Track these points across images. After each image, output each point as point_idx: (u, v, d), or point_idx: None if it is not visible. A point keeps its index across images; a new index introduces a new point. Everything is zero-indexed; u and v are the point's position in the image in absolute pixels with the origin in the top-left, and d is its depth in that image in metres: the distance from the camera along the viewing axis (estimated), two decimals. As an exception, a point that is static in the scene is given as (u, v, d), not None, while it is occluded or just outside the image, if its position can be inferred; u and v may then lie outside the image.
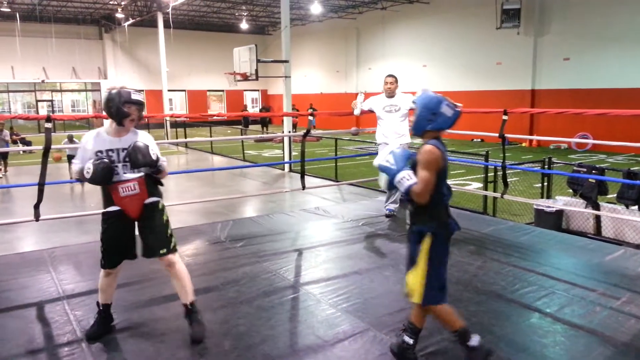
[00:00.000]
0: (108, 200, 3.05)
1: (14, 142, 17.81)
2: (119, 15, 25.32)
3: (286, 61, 13.40)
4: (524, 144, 18.77)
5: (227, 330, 3.25)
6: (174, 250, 3.17)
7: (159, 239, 3.13)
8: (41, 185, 4.35)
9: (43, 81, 27.31)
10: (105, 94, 3.02)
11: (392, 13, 24.20)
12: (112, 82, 29.18)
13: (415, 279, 2.60)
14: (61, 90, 30.16)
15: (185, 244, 5.12)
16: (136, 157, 2.92)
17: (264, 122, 27.33)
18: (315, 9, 23.44)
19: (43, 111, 28.71)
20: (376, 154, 6.05)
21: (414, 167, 2.58)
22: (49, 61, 26.81)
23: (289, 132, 13.55)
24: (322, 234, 5.54)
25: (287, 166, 13.15)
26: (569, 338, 3.10)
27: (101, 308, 3.20)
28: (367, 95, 6.15)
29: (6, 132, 12.29)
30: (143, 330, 3.27)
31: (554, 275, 4.09)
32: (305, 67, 30.39)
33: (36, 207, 4.44)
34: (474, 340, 2.66)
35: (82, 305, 3.61)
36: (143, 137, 3.08)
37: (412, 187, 2.51)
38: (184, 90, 31.50)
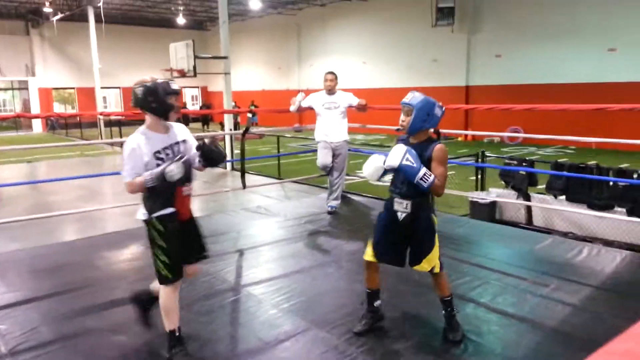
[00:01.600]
0: (166, 201, 2.76)
1: None
2: (47, 9, 24.01)
3: (225, 57, 13.16)
4: (459, 139, 19.42)
5: (164, 338, 3.14)
6: None
7: (203, 242, 3.02)
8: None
9: (-37, 79, 25.54)
10: (139, 88, 2.73)
11: (331, 10, 24.34)
12: (41, 79, 27.64)
13: (435, 255, 2.92)
14: (-15, 89, 28.30)
15: (118, 249, 4.95)
16: (219, 156, 2.84)
17: (205, 120, 26.79)
18: (254, 4, 23.15)
19: (-36, 111, 26.81)
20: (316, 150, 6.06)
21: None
22: (-31, 58, 25.09)
23: (230, 130, 13.34)
24: (264, 234, 5.49)
25: (229, 165, 12.94)
26: (502, 327, 3.23)
27: (178, 334, 2.88)
28: (307, 94, 6.14)
29: None
30: (74, 342, 3.12)
31: (487, 266, 4.25)
32: (246, 64, 30.01)
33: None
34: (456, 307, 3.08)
35: (6, 318, 3.39)
36: (181, 129, 2.95)
37: (435, 183, 2.77)
38: (119, 88, 30.33)
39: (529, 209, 6.94)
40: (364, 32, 23.56)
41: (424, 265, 2.93)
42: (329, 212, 6.01)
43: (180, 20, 28.02)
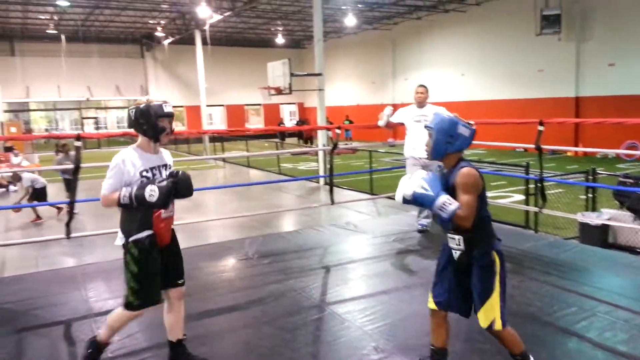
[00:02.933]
0: (143, 223, 2.72)
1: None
2: (159, 34, 26.10)
3: (319, 74, 13.41)
4: (569, 153, 18.09)
5: (248, 352, 3.18)
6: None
7: (182, 267, 2.94)
8: (72, 203, 4.43)
9: (88, 99, 28.40)
10: (132, 109, 2.77)
11: (427, 23, 23.97)
12: (154, 98, 29.91)
13: (495, 305, 2.51)
14: (105, 108, 31.24)
15: (213, 260, 5.11)
16: (187, 189, 2.77)
17: (301, 135, 27.49)
18: (350, 21, 23.45)
19: (89, 128, 29.76)
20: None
21: (448, 191, 2.50)
22: (93, 80, 27.88)
23: (324, 145, 13.50)
24: (351, 251, 5.42)
25: (322, 179, 13.10)
26: (611, 366, 2.88)
27: (101, 348, 2.93)
28: (398, 109, 6.01)
29: (72, 154, 10.33)
30: (166, 350, 3.24)
31: (595, 296, 3.83)
32: (341, 79, 30.42)
33: (67, 224, 4.52)
34: None
35: (107, 324, 3.61)
36: (168, 155, 2.99)
37: (457, 212, 2.42)
38: (223, 105, 32.08)
39: (647, 233, 6.22)
40: (462, 43, 22.91)
41: (481, 317, 2.52)
42: (419, 231, 5.80)
43: (279, 40, 29.14)
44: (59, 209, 9.98)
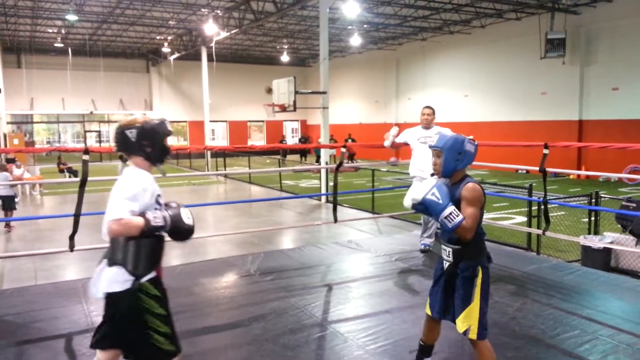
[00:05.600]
0: (155, 260, 2.29)
1: (61, 171, 18.59)
2: (165, 49, 26.37)
3: (324, 92, 13.51)
4: (571, 176, 18.10)
5: (250, 369, 3.16)
6: None
7: None
8: (77, 216, 4.43)
9: (91, 112, 28.58)
10: (132, 130, 2.27)
11: (432, 44, 24.20)
12: (157, 113, 30.06)
13: (474, 314, 2.64)
14: (109, 121, 31.41)
15: (216, 276, 5.11)
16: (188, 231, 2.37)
17: (303, 153, 27.58)
18: (355, 41, 23.69)
19: (91, 141, 29.89)
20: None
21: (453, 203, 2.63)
22: (97, 93, 28.10)
23: (326, 163, 13.54)
24: (354, 269, 5.41)
25: (323, 197, 13.10)
26: (615, 392, 2.86)
27: None
28: (402, 129, 6.05)
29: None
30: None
31: (598, 319, 3.82)
32: (344, 98, 30.61)
33: (71, 237, 4.52)
34: None
35: (108, 338, 3.60)
36: None
37: (462, 224, 2.55)
38: (226, 121, 32.27)
39: (650, 258, 6.20)
40: (466, 64, 23.09)
41: (458, 324, 2.67)
42: (422, 251, 5.80)
43: (284, 57, 29.41)
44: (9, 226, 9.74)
